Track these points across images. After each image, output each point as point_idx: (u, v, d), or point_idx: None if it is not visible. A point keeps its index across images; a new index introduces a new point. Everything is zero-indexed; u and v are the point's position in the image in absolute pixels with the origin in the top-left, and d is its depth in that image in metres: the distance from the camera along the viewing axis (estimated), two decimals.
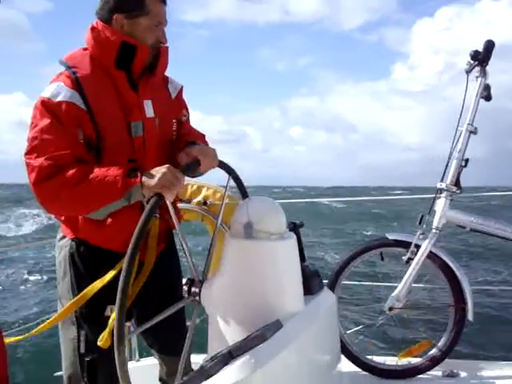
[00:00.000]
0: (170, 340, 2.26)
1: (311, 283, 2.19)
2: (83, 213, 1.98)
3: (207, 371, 1.64)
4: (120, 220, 2.00)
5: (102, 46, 2.01)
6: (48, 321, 2.01)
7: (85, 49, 2.08)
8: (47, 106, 1.92)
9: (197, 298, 1.94)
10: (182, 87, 2.32)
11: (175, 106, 2.27)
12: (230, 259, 1.88)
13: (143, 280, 2.07)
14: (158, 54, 2.10)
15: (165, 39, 2.10)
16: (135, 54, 2.01)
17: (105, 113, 1.98)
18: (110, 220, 2.00)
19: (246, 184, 2.33)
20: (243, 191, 2.32)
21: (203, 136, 2.35)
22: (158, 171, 1.84)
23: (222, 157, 2.19)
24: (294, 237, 1.97)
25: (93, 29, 2.04)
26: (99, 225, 2.01)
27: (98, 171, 1.85)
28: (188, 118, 2.35)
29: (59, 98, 1.92)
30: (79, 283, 2.05)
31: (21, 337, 2.14)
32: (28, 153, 1.90)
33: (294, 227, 2.19)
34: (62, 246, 2.13)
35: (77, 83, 1.96)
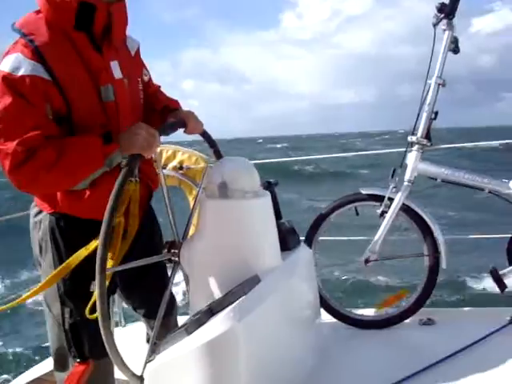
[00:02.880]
0: (155, 303, 2.24)
1: (288, 239, 2.24)
2: (66, 188, 1.91)
3: (189, 327, 1.69)
4: (101, 188, 1.91)
5: (57, 8, 1.84)
6: (30, 291, 1.96)
7: (37, 12, 1.91)
8: (9, 83, 1.75)
9: (176, 258, 1.98)
10: (138, 45, 2.21)
11: (136, 65, 2.17)
12: (206, 219, 1.91)
13: (127, 246, 2.04)
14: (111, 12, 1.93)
15: None
16: (94, 15, 1.86)
17: (72, 81, 1.84)
18: (90, 190, 1.93)
19: None
20: (217, 152, 2.34)
21: (177, 102, 2.31)
22: (134, 132, 1.79)
23: None
24: (269, 194, 2.00)
25: None
26: (79, 196, 1.94)
27: (71, 145, 1.77)
28: (150, 77, 2.27)
29: (21, 72, 1.75)
30: (61, 258, 1.99)
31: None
32: None
33: (269, 185, 2.23)
34: (39, 222, 2.04)
35: (37, 53, 1.79)
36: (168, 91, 2.33)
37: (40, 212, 2.04)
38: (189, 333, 1.68)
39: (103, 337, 1.69)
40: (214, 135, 2.29)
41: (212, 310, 1.70)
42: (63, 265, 1.90)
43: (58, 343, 2.08)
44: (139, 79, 2.14)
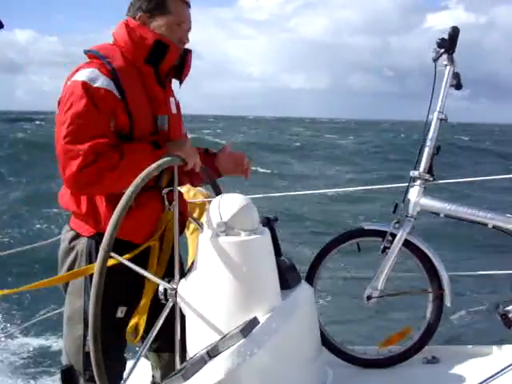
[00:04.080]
0: (168, 336, 2.07)
1: (288, 277, 2.18)
2: (122, 188, 1.95)
3: (186, 372, 1.63)
4: (144, 212, 2.08)
5: (136, 43, 2.12)
6: (44, 281, 2.05)
7: (112, 44, 2.18)
8: (86, 89, 1.98)
9: (174, 297, 1.92)
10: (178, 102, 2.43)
11: (179, 107, 2.39)
12: (203, 257, 1.87)
13: (162, 270, 2.11)
14: (185, 58, 2.24)
15: (187, 39, 2.23)
16: (166, 53, 2.12)
17: (137, 104, 2.08)
18: (136, 212, 2.02)
19: None
20: (216, 188, 2.31)
21: None
22: (182, 142, 2.13)
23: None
24: (268, 232, 1.96)
25: (127, 26, 2.14)
26: (126, 218, 1.92)
27: (129, 149, 2.00)
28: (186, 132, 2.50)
29: (97, 84, 2.00)
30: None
31: (12, 290, 2.18)
32: (67, 137, 1.95)
33: (268, 222, 2.18)
34: (75, 246, 2.13)
35: (113, 73, 2.04)
36: None
37: (76, 237, 2.14)
38: (185, 378, 1.62)
39: (92, 357, 1.74)
40: None
41: (209, 354, 1.65)
42: (84, 267, 2.06)
43: (73, 363, 2.12)
44: (182, 118, 2.41)
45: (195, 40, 2.26)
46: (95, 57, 2.11)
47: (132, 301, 2.07)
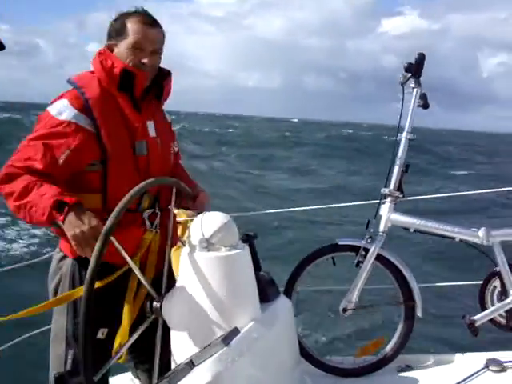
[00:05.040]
0: (162, 355, 2.08)
1: (267, 291, 2.27)
2: (28, 222, 2.05)
3: (171, 380, 1.72)
4: (124, 235, 1.98)
5: (107, 71, 2.17)
6: (25, 310, 2.00)
7: (92, 72, 2.24)
8: (47, 122, 2.08)
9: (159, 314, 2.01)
10: (170, 121, 2.49)
11: (170, 133, 2.42)
12: (186, 272, 1.97)
13: (144, 296, 2.12)
14: (161, 79, 2.29)
15: (154, 61, 2.22)
16: (134, 80, 2.16)
17: (111, 133, 2.11)
18: (115, 235, 1.92)
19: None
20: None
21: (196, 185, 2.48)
22: (79, 223, 1.89)
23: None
24: (247, 248, 2.07)
25: (100, 55, 2.22)
26: None
27: (34, 195, 1.93)
28: (178, 150, 2.50)
29: (62, 117, 2.07)
30: (75, 301, 2.08)
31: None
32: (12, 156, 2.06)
33: (248, 238, 2.29)
34: (61, 267, 2.19)
35: (85, 105, 2.10)
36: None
37: (63, 258, 2.19)
38: None
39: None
40: None
41: (193, 362, 1.74)
42: (70, 292, 2.05)
43: (64, 372, 2.06)
44: (171, 144, 2.38)
45: None
46: (73, 87, 2.18)
47: (113, 322, 2.11)
